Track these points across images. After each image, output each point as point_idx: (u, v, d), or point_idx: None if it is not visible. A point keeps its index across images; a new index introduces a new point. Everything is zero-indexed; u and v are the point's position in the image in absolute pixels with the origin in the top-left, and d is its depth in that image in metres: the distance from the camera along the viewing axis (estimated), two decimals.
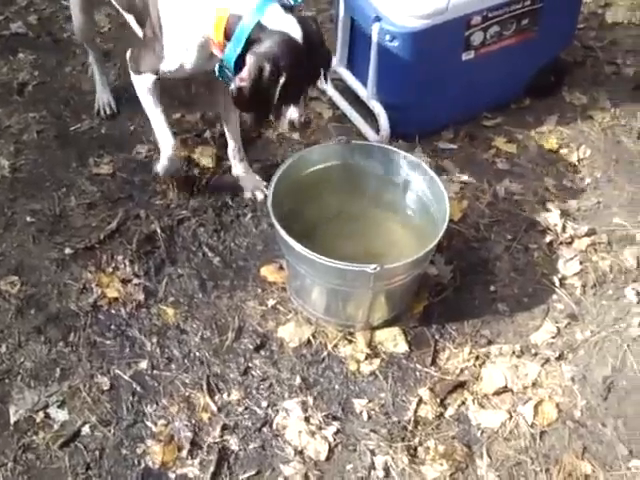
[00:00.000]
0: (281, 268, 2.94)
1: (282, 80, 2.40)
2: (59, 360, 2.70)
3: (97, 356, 2.71)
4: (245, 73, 2.41)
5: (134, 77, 2.87)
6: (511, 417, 2.60)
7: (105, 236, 3.04)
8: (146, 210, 3.14)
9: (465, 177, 3.31)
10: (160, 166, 3.07)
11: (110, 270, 2.93)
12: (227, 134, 3.14)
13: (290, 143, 3.42)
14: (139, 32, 2.89)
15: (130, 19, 2.94)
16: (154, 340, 2.76)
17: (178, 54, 2.67)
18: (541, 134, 3.51)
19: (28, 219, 3.11)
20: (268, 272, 2.96)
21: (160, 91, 2.87)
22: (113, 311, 2.83)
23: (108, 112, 3.54)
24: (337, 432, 2.55)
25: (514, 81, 3.52)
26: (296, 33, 2.41)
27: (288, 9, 2.46)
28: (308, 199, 2.88)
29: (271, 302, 2.87)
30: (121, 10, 2.99)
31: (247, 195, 3.20)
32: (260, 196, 3.18)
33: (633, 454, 2.52)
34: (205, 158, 3.31)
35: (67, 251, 3.00)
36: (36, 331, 2.77)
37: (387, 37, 3.09)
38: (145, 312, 2.84)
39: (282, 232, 2.59)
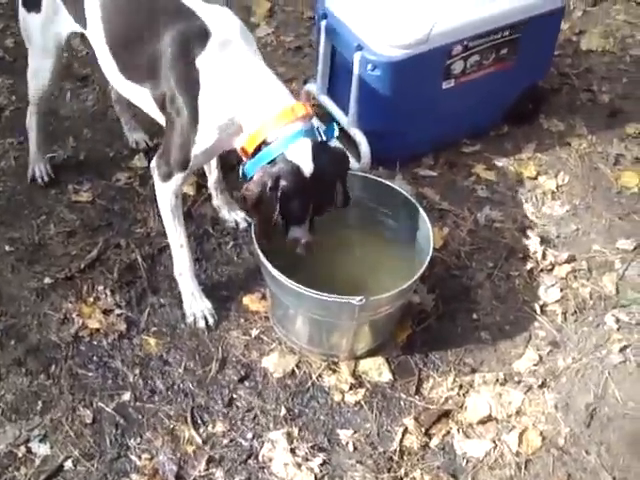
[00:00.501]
0: (264, 297, 2.93)
1: (278, 200, 2.49)
2: (40, 392, 2.66)
3: (79, 388, 2.68)
4: (251, 184, 2.53)
5: (161, 187, 2.74)
6: (496, 446, 2.61)
7: (85, 265, 3.02)
8: (127, 238, 3.12)
9: (445, 204, 3.33)
10: (187, 303, 2.90)
11: (91, 300, 2.91)
12: (207, 166, 3.12)
13: None
14: (160, 118, 2.76)
15: (142, 99, 2.77)
16: (137, 371, 2.73)
17: (210, 135, 2.60)
18: (520, 161, 3.55)
19: (7, 248, 3.08)
20: (251, 301, 2.95)
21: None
22: (95, 342, 2.81)
23: (46, 179, 3.34)
24: (323, 463, 2.54)
25: (493, 109, 3.56)
26: (306, 168, 2.50)
27: (319, 143, 2.55)
28: None
29: (254, 332, 2.86)
30: (130, 86, 2.78)
31: (229, 224, 3.19)
32: (243, 224, 3.17)
33: None
34: (186, 186, 3.29)
35: (47, 280, 2.98)
36: (16, 363, 2.73)
37: (369, 66, 3.11)
38: (127, 343, 2.81)
39: (266, 263, 2.59)
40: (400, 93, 3.19)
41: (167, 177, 2.70)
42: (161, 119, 2.74)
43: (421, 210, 2.80)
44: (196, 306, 2.87)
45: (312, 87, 3.58)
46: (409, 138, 3.35)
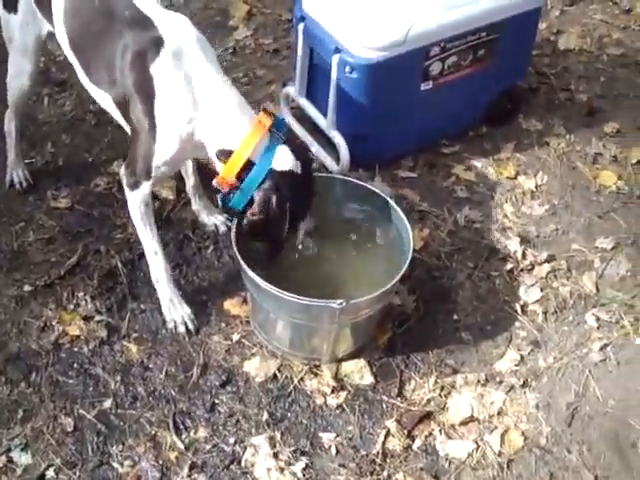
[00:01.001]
0: (244, 301, 2.93)
1: (288, 207, 2.56)
2: (21, 401, 2.65)
3: (60, 396, 2.67)
4: (256, 208, 2.55)
5: (129, 195, 2.73)
6: (478, 447, 2.61)
7: (65, 272, 3.01)
8: (106, 244, 3.11)
9: (425, 205, 3.34)
10: (165, 309, 2.89)
11: (71, 307, 2.90)
12: (184, 171, 3.11)
13: None
14: (126, 126, 2.75)
15: (107, 104, 2.76)
16: (118, 378, 2.72)
17: (170, 145, 2.59)
18: (499, 161, 3.56)
19: None
20: (231, 306, 2.95)
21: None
22: (75, 349, 2.79)
23: (25, 185, 3.32)
24: (306, 467, 2.53)
25: (471, 109, 3.57)
26: (297, 168, 2.58)
27: (287, 140, 2.60)
28: None
29: (236, 336, 2.86)
30: (95, 90, 2.77)
31: (209, 228, 3.19)
32: (222, 228, 3.17)
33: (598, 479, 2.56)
34: (165, 190, 3.29)
35: (26, 288, 2.96)
36: None
37: (347, 69, 3.12)
38: (108, 349, 2.80)
39: (246, 267, 2.58)
40: (378, 95, 3.20)
41: (134, 186, 2.69)
42: (127, 127, 2.73)
43: (400, 212, 2.80)
44: (175, 312, 2.87)
45: (291, 90, 3.58)
46: (388, 140, 3.35)
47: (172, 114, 2.55)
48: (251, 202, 2.56)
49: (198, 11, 4.37)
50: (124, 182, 2.72)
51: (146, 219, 2.75)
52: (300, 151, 2.68)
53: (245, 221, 2.60)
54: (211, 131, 2.56)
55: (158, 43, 2.54)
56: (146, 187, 2.68)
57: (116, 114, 2.75)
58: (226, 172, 2.56)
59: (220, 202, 2.65)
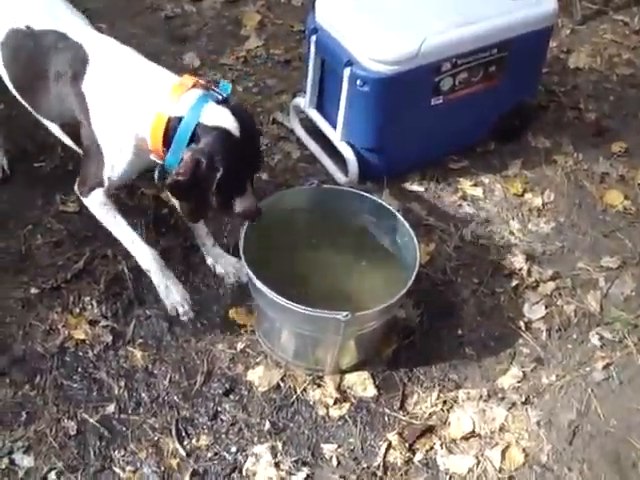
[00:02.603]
0: (250, 311, 2.93)
1: (219, 174, 2.43)
2: (24, 404, 2.65)
3: (64, 400, 2.67)
4: (182, 168, 2.41)
5: (85, 201, 2.77)
6: (479, 462, 2.61)
7: (72, 276, 3.01)
8: (113, 249, 3.10)
9: (432, 220, 3.35)
10: (163, 295, 2.87)
11: (77, 311, 2.90)
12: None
13: (258, 185, 3.43)
14: (76, 147, 2.81)
15: (60, 133, 2.84)
16: (122, 383, 2.73)
17: (115, 157, 2.64)
18: (506, 178, 3.57)
19: None
20: (237, 315, 2.95)
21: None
22: (80, 353, 2.80)
23: (1, 176, 3.37)
24: (307, 478, 2.54)
25: (481, 125, 3.58)
26: (233, 127, 2.45)
27: (222, 102, 2.50)
28: (278, 243, 2.88)
29: (240, 345, 2.87)
30: (47, 123, 2.85)
31: (229, 281, 3.04)
32: (244, 279, 2.98)
33: None
34: (173, 199, 3.30)
35: (33, 291, 2.97)
36: (0, 373, 2.72)
37: (358, 82, 3.13)
38: (113, 354, 2.81)
39: (252, 276, 2.60)
40: (389, 109, 3.21)
41: (87, 193, 2.74)
42: (80, 149, 2.78)
43: (407, 225, 2.81)
44: (173, 297, 2.86)
45: (301, 101, 3.60)
46: (397, 153, 3.37)
47: (110, 126, 2.59)
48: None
49: (210, 20, 4.40)
50: (78, 194, 2.78)
51: (110, 213, 2.76)
52: (242, 114, 2.50)
53: (169, 180, 2.46)
54: (144, 114, 2.51)
55: (85, 61, 2.62)
56: (99, 193, 2.72)
57: (67, 140, 2.82)
58: (152, 137, 2.49)
59: (157, 175, 2.61)
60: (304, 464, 2.58)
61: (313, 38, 3.33)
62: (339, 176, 3.43)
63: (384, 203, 2.92)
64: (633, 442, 2.69)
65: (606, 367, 2.90)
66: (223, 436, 2.62)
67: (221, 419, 2.67)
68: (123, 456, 2.55)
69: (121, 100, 2.57)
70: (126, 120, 2.57)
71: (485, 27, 3.21)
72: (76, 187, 2.80)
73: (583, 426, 2.73)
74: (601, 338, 2.99)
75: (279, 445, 2.61)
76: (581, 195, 3.53)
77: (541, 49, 3.56)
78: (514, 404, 2.77)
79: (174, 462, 2.54)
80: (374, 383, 2.79)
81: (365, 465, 2.59)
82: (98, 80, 2.61)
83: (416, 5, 3.27)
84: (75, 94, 2.63)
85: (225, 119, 2.45)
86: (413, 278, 2.65)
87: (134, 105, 2.55)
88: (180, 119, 2.45)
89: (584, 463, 2.64)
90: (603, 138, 3.81)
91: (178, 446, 2.58)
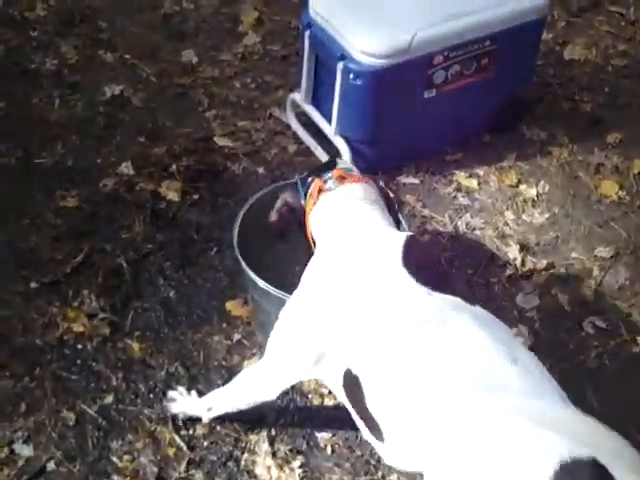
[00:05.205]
0: (246, 303, 2.97)
1: None
2: (24, 395, 2.69)
3: (63, 391, 2.71)
4: None
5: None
6: None
7: (71, 270, 3.05)
8: (112, 244, 3.16)
9: (427, 211, 3.38)
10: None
11: (76, 304, 2.94)
12: None
13: (256, 177, 3.47)
14: None
15: None
16: (120, 375, 2.77)
17: None
18: (501, 169, 3.59)
19: None
20: (233, 306, 2.99)
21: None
22: (79, 346, 2.84)
23: None
24: (302, 466, 2.57)
25: (474, 117, 3.60)
26: None
27: None
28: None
29: (236, 336, 2.90)
30: None
31: None
32: None
33: None
34: (171, 192, 3.34)
35: (33, 284, 3.01)
36: (0, 365, 2.76)
37: (351, 76, 3.16)
38: (111, 346, 2.85)
39: (247, 269, 2.63)
40: (382, 102, 3.24)
41: None
42: None
43: (401, 217, 2.84)
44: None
45: (297, 96, 3.63)
46: (391, 147, 3.40)
47: None
48: None
49: (208, 17, 4.43)
50: None
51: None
52: None
53: None
54: None
55: None
56: None
57: None
58: None
59: None
60: (299, 453, 2.61)
61: (307, 33, 3.37)
62: None
63: None
64: (628, 431, 2.70)
65: (600, 356, 2.93)
66: (219, 426, 2.65)
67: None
68: (121, 446, 2.59)
69: None
70: None
71: (476, 19, 3.24)
72: None
73: None
74: (595, 327, 3.01)
75: (274, 434, 2.64)
76: (575, 186, 3.56)
77: (534, 41, 3.58)
78: None
79: (171, 451, 2.58)
80: None
81: (359, 453, 2.62)
82: None
83: None
84: None
85: None
86: None
87: None
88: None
89: None
90: (598, 129, 3.83)
91: (175, 436, 2.61)
